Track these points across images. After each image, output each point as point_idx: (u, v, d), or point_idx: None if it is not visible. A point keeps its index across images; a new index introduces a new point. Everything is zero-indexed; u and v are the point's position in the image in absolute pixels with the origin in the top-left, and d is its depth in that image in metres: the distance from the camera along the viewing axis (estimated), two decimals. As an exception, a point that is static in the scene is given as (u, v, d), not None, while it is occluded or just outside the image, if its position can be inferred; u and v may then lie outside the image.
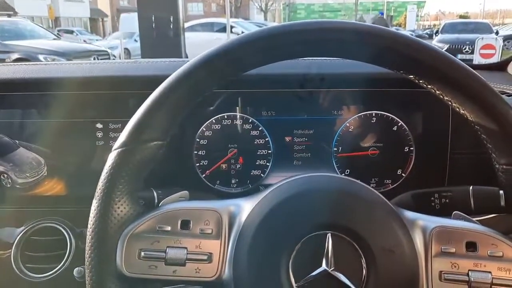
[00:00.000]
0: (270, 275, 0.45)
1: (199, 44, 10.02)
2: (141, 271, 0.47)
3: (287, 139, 0.80)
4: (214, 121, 0.79)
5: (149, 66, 0.81)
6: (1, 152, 0.81)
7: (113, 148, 0.50)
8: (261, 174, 0.80)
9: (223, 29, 12.57)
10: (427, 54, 0.46)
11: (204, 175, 0.80)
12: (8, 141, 0.80)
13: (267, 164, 0.80)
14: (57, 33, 11.07)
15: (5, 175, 0.81)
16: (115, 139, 0.79)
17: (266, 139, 0.79)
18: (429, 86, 0.48)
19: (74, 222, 0.77)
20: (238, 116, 0.79)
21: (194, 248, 0.48)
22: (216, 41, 11.57)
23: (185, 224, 0.49)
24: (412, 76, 0.48)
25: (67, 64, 0.83)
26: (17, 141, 0.80)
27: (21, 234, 0.75)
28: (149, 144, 0.49)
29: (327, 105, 0.79)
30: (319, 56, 0.51)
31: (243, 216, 0.48)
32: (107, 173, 0.48)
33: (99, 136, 0.79)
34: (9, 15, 10.45)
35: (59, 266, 0.73)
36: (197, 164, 0.80)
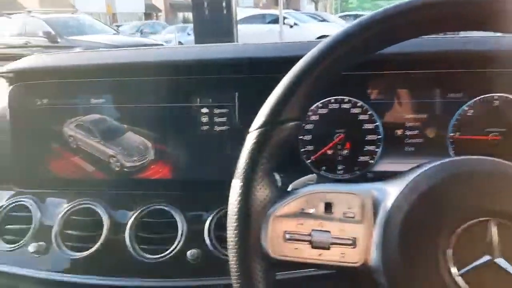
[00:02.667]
0: (427, 263, 0.42)
1: (251, 35, 10.10)
2: (286, 254, 0.46)
3: (398, 123, 0.76)
4: (320, 105, 0.77)
5: (253, 48, 0.80)
6: (110, 136, 0.83)
7: (251, 129, 0.49)
8: (370, 161, 0.77)
9: (274, 20, 12.51)
10: None
11: (309, 160, 0.79)
12: (117, 125, 0.82)
13: (376, 150, 0.77)
14: (116, 28, 11.48)
15: (114, 158, 0.83)
16: (220, 124, 0.80)
17: (376, 124, 0.76)
18: None
19: (181, 205, 0.78)
20: (346, 100, 0.77)
21: (338, 232, 0.46)
22: (268, 32, 11.56)
23: (328, 207, 0.47)
24: None
25: (176, 48, 0.83)
26: (125, 126, 0.82)
27: (133, 216, 0.77)
28: (288, 124, 0.48)
29: (443, 87, 0.74)
30: (455, 30, 0.47)
31: (389, 201, 0.46)
32: (248, 153, 0.47)
33: (204, 121, 0.79)
34: (72, 12, 10.97)
35: (171, 248, 0.74)
36: (302, 150, 0.78)
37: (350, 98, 0.76)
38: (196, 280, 0.73)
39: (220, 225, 0.75)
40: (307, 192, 0.48)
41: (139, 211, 0.78)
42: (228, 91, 0.78)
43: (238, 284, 0.47)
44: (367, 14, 0.47)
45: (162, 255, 0.74)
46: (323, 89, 0.49)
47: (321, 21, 13.13)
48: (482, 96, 0.73)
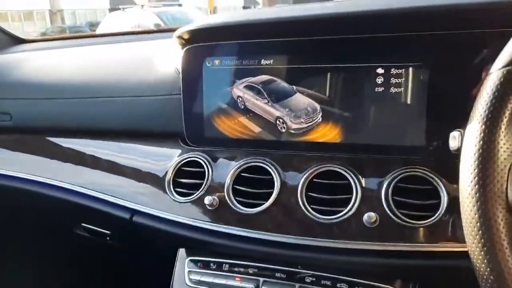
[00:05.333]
0: None
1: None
2: None
3: None
4: None
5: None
6: (279, 97, 0.83)
7: (495, 68, 0.44)
8: None
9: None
10: None
11: None
12: (286, 87, 0.82)
13: None
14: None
15: (281, 120, 0.83)
16: (396, 85, 0.75)
17: None
18: None
19: (353, 168, 0.76)
20: None
21: None
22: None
23: None
24: None
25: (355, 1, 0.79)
26: (294, 87, 0.81)
27: (304, 176, 0.76)
28: None
29: None
30: None
31: None
32: (493, 94, 0.43)
33: (379, 82, 0.76)
34: (179, 5, 11.61)
35: (346, 210, 0.72)
36: None
37: None
38: (373, 245, 0.70)
39: (398, 190, 0.71)
40: None
41: (310, 171, 0.77)
42: (409, 48, 0.73)
43: (478, 237, 0.43)
44: None
45: (336, 216, 0.72)
46: None
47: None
48: None
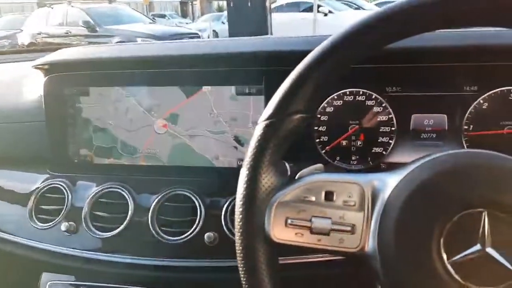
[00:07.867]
0: (420, 250, 0.44)
1: (285, 24, 10.05)
2: (288, 238, 0.49)
3: (413, 116, 0.77)
4: (335, 97, 0.79)
5: (278, 42, 0.82)
6: (136, 124, 0.88)
7: (260, 120, 0.52)
8: (383, 152, 0.79)
9: (309, 8, 12.38)
10: None
11: (324, 151, 0.81)
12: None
13: (390, 141, 0.78)
14: (152, 18, 11.70)
15: (140, 146, 0.88)
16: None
17: (390, 116, 0.77)
18: None
19: (201, 191, 0.82)
20: (360, 92, 0.78)
21: (338, 219, 0.49)
22: (302, 20, 11.44)
23: (329, 196, 0.50)
24: None
25: (203, 42, 0.87)
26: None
27: (156, 200, 0.82)
28: (295, 116, 0.50)
29: (459, 81, 0.74)
30: (474, 26, 0.48)
31: (387, 191, 0.48)
32: (255, 144, 0.51)
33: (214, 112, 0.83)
34: (110, 2, 11.23)
35: (190, 231, 0.78)
36: (317, 140, 0.81)
37: (365, 91, 0.78)
38: (212, 262, 0.77)
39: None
40: (310, 181, 0.51)
41: (162, 195, 0.82)
42: (254, 82, 0.82)
43: (242, 265, 0.50)
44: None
45: (181, 237, 0.78)
46: (332, 83, 0.51)
47: (357, 8, 12.88)
48: (498, 89, 0.73)
